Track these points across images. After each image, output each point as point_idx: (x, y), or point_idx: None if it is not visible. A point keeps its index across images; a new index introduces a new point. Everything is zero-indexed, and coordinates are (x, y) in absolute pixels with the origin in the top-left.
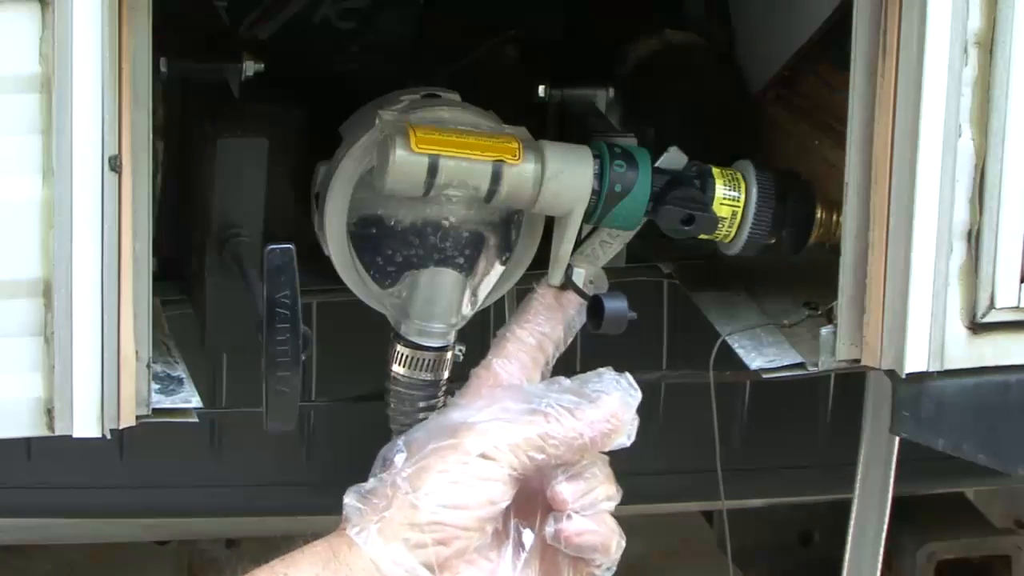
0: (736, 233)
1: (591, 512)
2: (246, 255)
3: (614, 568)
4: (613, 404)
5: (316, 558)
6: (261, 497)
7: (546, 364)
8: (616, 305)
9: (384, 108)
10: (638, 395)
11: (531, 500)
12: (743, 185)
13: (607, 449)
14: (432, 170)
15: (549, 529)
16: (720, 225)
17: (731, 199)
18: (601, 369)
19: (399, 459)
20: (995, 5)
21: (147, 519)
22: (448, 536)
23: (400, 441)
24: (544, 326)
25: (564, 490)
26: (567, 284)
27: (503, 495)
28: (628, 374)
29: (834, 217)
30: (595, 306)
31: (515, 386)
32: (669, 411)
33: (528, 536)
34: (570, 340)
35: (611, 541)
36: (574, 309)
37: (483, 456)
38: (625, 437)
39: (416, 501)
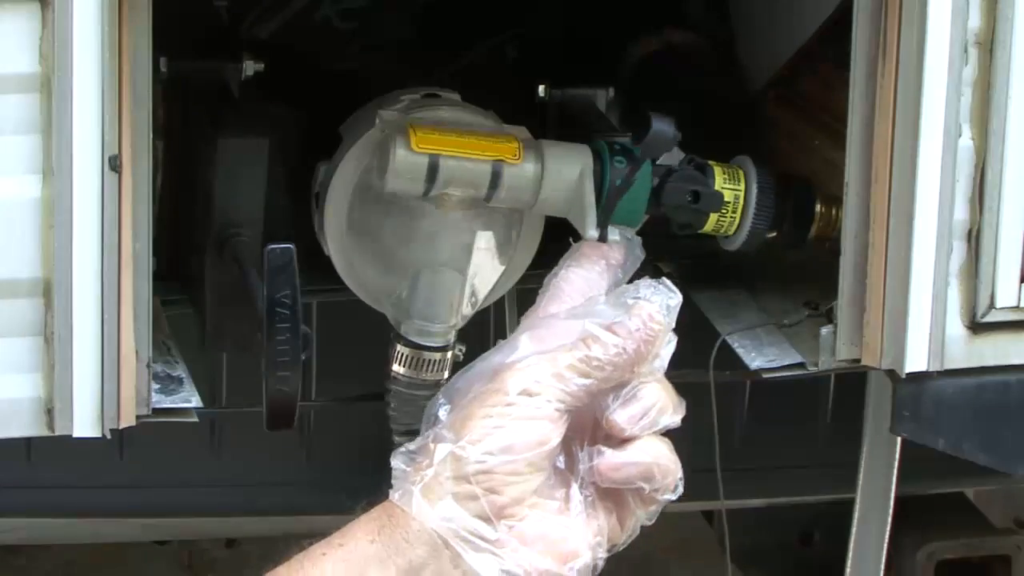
0: (739, 224)
1: (651, 432)
2: (246, 255)
3: (674, 488)
4: (649, 307)
5: (371, 525)
6: (261, 497)
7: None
8: (663, 127)
9: (384, 108)
10: (678, 296)
11: (594, 432)
12: (742, 176)
13: (655, 356)
14: (432, 170)
15: (582, 467)
16: (724, 210)
17: (731, 186)
18: (638, 280)
19: (443, 413)
20: (995, 5)
21: (147, 519)
22: (498, 484)
23: (441, 394)
24: (589, 270)
25: (619, 417)
26: (604, 235)
27: (552, 433)
28: (665, 279)
29: (834, 211)
30: (643, 124)
31: (549, 318)
32: None
33: None
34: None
35: (651, 469)
36: (616, 260)
37: (526, 393)
38: (669, 340)
39: (461, 452)
